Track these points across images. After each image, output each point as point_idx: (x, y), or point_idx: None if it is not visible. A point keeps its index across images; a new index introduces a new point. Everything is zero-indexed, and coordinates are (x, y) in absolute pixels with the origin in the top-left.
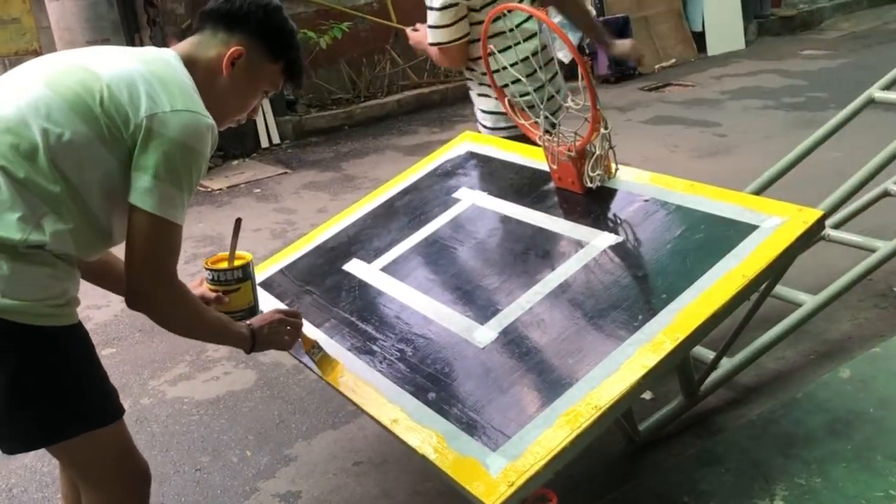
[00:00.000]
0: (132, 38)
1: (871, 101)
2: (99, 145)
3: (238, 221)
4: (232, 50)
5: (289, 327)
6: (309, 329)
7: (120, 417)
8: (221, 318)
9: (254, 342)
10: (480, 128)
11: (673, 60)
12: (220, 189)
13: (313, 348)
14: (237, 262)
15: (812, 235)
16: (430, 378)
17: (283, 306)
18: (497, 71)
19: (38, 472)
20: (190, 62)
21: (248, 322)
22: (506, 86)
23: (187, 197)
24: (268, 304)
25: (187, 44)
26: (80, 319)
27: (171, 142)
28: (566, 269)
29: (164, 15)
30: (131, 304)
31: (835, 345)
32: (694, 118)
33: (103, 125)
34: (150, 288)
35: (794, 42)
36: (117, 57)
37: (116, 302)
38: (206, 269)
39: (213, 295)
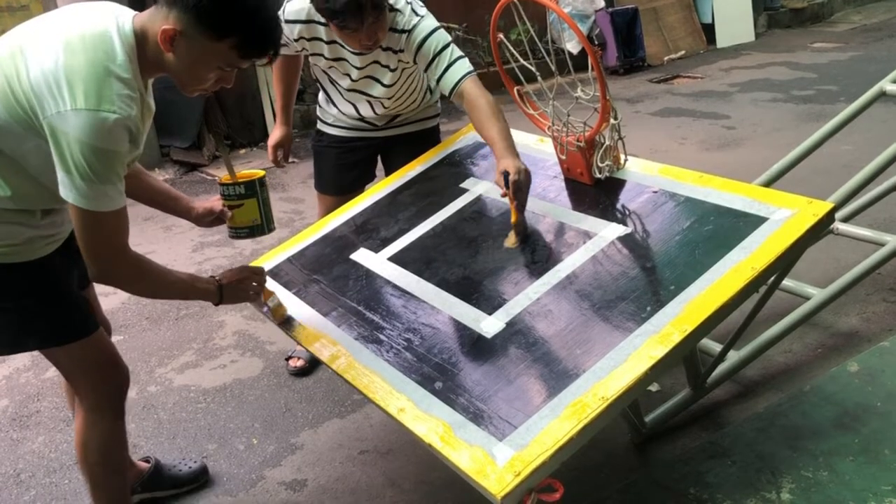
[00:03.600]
0: None
1: (881, 94)
2: (22, 130)
3: (216, 135)
4: (162, 29)
5: (255, 283)
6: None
7: (86, 336)
8: (186, 279)
9: (221, 297)
10: None
11: (682, 52)
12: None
13: (269, 299)
14: (242, 179)
15: (822, 228)
16: (436, 367)
17: (287, 291)
18: (507, 63)
19: (46, 457)
20: (143, 33)
21: (216, 277)
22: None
23: (110, 186)
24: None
25: (146, 14)
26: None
27: (74, 140)
28: (574, 260)
29: None
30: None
31: (842, 338)
32: (703, 110)
33: (24, 117)
34: (99, 269)
35: (804, 34)
36: (52, 41)
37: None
38: (218, 184)
39: (221, 208)
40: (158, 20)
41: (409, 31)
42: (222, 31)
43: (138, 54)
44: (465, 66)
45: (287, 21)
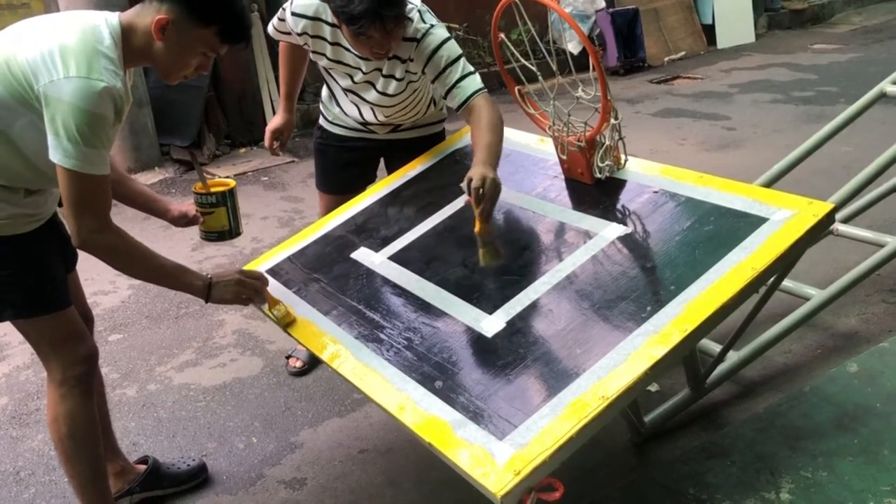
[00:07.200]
0: None
1: (882, 96)
2: (17, 104)
3: (192, 153)
4: (157, 18)
5: (247, 287)
6: (320, 320)
7: (55, 311)
8: (174, 267)
9: (209, 294)
10: None
11: (682, 53)
12: (228, 177)
13: (276, 308)
14: (214, 189)
15: (822, 228)
16: (437, 367)
17: (290, 292)
18: (508, 62)
19: (46, 455)
20: (129, 28)
21: (208, 274)
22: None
23: (98, 151)
24: (275, 291)
25: (132, 11)
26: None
27: (65, 105)
28: (574, 260)
29: None
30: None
31: (842, 339)
32: (703, 111)
33: (19, 90)
34: (85, 233)
35: (804, 36)
36: (48, 30)
37: (124, 288)
38: (193, 192)
39: (195, 212)
40: (150, 13)
41: (419, 40)
42: (208, 17)
43: (123, 45)
44: (476, 82)
45: (294, 13)
